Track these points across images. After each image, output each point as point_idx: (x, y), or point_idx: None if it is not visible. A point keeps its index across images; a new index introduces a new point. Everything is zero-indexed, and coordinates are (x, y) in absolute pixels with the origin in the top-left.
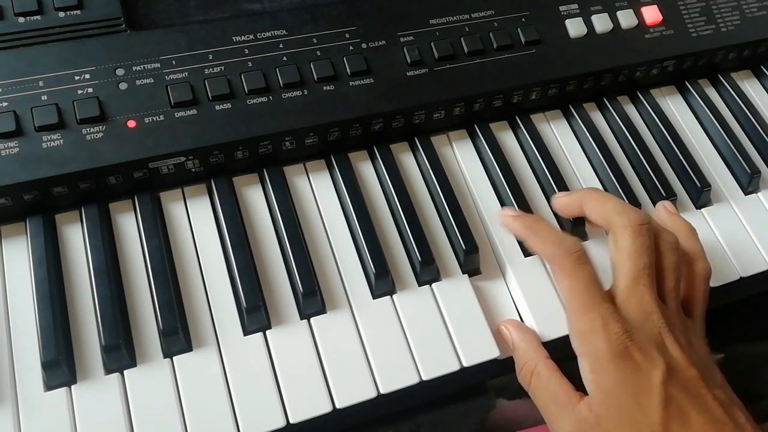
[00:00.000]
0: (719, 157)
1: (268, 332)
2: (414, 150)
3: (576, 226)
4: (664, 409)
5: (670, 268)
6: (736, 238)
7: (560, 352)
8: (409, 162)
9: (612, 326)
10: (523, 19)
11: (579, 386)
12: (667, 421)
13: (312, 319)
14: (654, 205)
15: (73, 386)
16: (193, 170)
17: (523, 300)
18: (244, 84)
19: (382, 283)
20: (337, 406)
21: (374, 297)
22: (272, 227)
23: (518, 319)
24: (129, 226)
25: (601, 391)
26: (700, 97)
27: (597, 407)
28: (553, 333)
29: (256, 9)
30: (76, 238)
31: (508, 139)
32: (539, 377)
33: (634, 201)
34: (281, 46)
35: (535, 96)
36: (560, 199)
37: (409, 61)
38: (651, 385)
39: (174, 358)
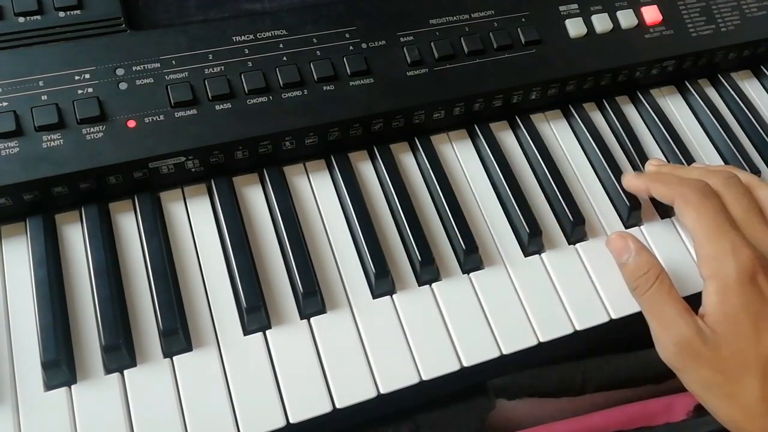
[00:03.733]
0: (719, 157)
1: (268, 332)
2: (414, 150)
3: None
4: None
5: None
6: None
7: (559, 351)
8: (409, 162)
9: (742, 250)
10: (523, 19)
11: None
12: None
13: (312, 319)
14: (654, 205)
15: (73, 386)
16: (193, 170)
17: (523, 300)
18: (244, 84)
19: (382, 283)
20: (337, 406)
21: (374, 297)
22: (272, 227)
23: (516, 321)
24: (129, 226)
25: (722, 313)
26: (700, 97)
27: (714, 325)
28: (551, 334)
29: (256, 9)
30: (76, 238)
31: (508, 139)
32: (663, 284)
33: (633, 201)
34: (281, 46)
35: (535, 96)
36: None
37: (409, 61)
38: None
39: (174, 358)
